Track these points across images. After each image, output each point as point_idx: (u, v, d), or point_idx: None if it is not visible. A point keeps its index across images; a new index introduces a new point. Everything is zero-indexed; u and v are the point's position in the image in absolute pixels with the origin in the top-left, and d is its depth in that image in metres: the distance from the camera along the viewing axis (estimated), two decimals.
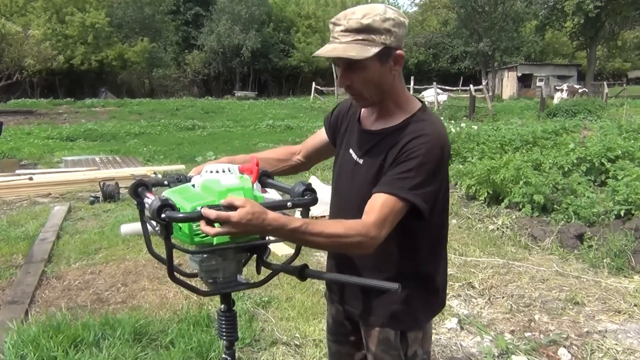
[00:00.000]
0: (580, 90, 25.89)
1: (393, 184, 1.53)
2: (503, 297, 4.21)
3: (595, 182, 7.57)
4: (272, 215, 1.40)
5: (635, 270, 4.75)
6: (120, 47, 40.03)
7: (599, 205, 6.06)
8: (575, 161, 7.76)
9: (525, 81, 38.88)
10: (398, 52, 1.57)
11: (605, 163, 7.81)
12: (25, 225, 6.26)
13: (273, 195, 1.70)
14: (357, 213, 1.57)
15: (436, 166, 1.56)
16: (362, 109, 1.77)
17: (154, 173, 8.73)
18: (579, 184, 6.70)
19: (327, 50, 1.55)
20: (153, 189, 1.76)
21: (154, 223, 1.53)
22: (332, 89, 33.43)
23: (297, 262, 1.67)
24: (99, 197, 7.49)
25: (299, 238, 1.47)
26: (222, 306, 1.68)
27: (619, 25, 38.32)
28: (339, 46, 1.53)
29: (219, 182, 1.53)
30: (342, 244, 1.50)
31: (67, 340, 3.20)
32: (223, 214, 1.35)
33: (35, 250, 5.21)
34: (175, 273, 1.54)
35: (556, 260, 5.07)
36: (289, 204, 1.55)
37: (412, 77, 27.48)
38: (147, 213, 1.73)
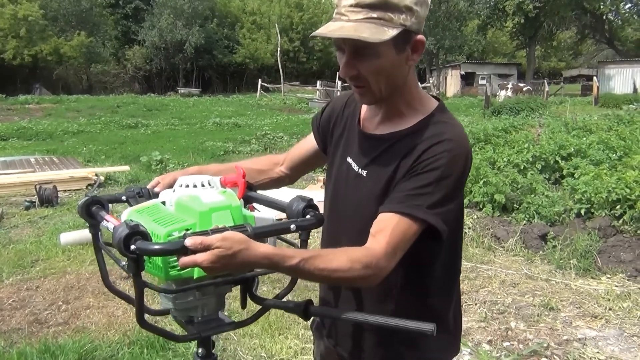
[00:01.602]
0: (524, 89, 26.54)
1: (407, 201, 1.24)
2: (476, 304, 4.04)
3: (550, 180, 7.61)
4: (262, 250, 1.10)
5: (602, 271, 4.69)
6: (56, 41, 38.22)
7: (558, 204, 6.03)
8: (530, 159, 7.77)
9: (468, 79, 39.66)
10: (418, 37, 1.27)
11: (559, 161, 7.86)
12: None
13: (264, 213, 1.39)
14: (359, 237, 1.29)
15: (458, 180, 1.28)
16: (363, 108, 1.46)
17: (96, 175, 8.17)
18: (537, 182, 6.67)
19: (332, 30, 1.23)
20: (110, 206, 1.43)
21: (115, 251, 1.19)
22: (278, 86, 33.02)
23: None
24: (35, 202, 6.90)
25: (297, 275, 1.20)
26: (200, 350, 1.35)
27: (557, 26, 39.78)
28: (347, 25, 1.21)
29: (198, 200, 1.22)
30: (345, 279, 1.22)
31: None
32: (198, 257, 1.05)
33: None
34: (145, 316, 1.22)
35: (522, 262, 4.95)
36: (292, 226, 1.24)
37: None
38: (101, 240, 1.41)
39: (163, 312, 1.41)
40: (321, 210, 1.34)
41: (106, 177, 8.42)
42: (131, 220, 1.13)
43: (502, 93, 25.99)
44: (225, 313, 1.40)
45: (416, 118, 1.34)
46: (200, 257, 1.04)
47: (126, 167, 9.09)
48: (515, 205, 6.24)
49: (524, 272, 4.67)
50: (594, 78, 28.34)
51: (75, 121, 18.31)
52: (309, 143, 1.64)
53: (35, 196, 6.96)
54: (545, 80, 30.98)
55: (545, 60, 55.78)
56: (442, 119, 1.33)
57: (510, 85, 26.60)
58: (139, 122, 17.96)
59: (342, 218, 1.45)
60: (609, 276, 4.60)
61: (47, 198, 6.90)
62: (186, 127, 17.06)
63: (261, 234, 1.17)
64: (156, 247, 1.07)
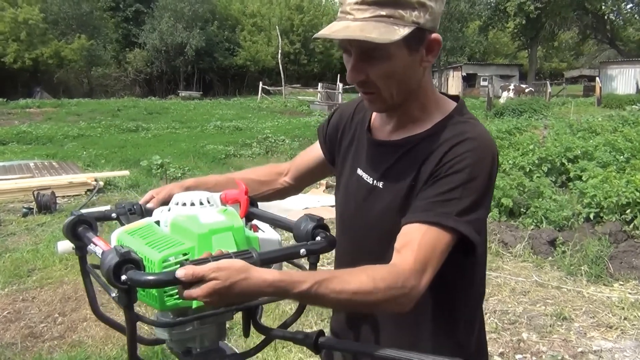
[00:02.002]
0: (526, 90, 26.40)
1: (433, 209, 1.10)
2: (486, 314, 3.91)
3: (556, 182, 7.48)
4: (266, 277, 0.95)
5: (614, 277, 4.56)
6: (57, 45, 38.13)
7: (567, 208, 5.90)
8: (536, 162, 7.64)
9: (469, 81, 39.51)
10: (433, 36, 1.14)
11: (566, 163, 7.74)
12: None
13: (269, 234, 1.26)
14: (379, 256, 1.14)
15: (487, 182, 1.14)
16: (373, 115, 1.34)
17: (95, 180, 8.05)
18: (544, 186, 6.54)
19: (336, 30, 1.10)
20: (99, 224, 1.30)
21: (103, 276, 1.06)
22: (279, 88, 32.89)
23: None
24: (32, 209, 6.78)
25: (310, 302, 1.05)
26: None
27: (558, 26, 39.65)
28: (353, 24, 1.09)
29: (196, 220, 1.09)
30: (370, 303, 1.04)
31: None
32: (193, 292, 0.92)
33: None
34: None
35: (532, 269, 4.82)
36: (302, 251, 1.11)
37: None
38: (89, 263, 1.28)
39: (158, 342, 1.29)
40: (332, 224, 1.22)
41: (105, 182, 8.30)
42: (121, 245, 1.01)
43: (504, 94, 25.84)
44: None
45: (433, 121, 1.22)
46: (194, 292, 0.92)
47: (126, 172, 8.96)
48: (522, 209, 6.11)
49: (534, 279, 4.54)
50: (597, 79, 28.18)
51: (75, 125, 18.22)
52: (315, 152, 1.51)
53: (33, 202, 6.84)
54: (547, 81, 30.84)
55: (547, 60, 55.61)
56: (462, 119, 1.21)
57: (512, 87, 26.46)
58: (139, 126, 17.86)
59: (358, 236, 1.31)
60: (621, 283, 4.47)
61: (45, 204, 6.78)
62: (187, 131, 16.94)
63: (268, 260, 1.04)
64: (150, 278, 0.94)
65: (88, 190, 7.89)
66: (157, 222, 1.21)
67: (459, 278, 1.22)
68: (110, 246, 1.07)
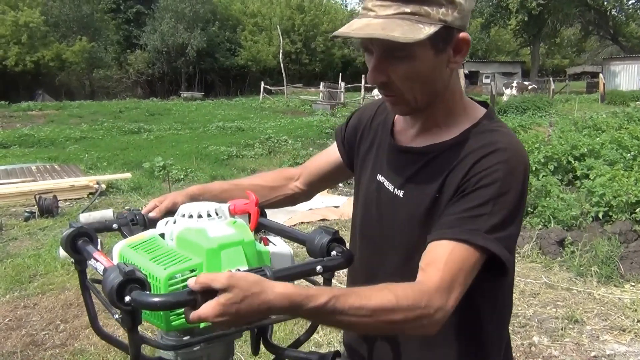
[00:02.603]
0: (529, 87, 26.27)
1: (461, 226, 1.02)
2: None
3: (563, 181, 7.39)
4: (280, 290, 0.88)
5: (625, 278, 4.48)
6: (58, 47, 38.12)
7: (575, 207, 5.82)
8: (542, 160, 7.55)
9: (472, 78, 39.39)
10: (462, 35, 1.06)
11: (572, 161, 7.65)
12: None
13: (280, 247, 1.19)
14: (400, 270, 1.09)
15: (519, 196, 1.06)
16: (396, 119, 1.26)
17: (97, 183, 7.99)
18: (552, 185, 6.45)
19: (356, 28, 1.02)
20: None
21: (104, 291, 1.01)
22: (281, 88, 32.80)
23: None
24: (34, 213, 6.72)
25: (325, 319, 0.95)
26: None
27: (560, 22, 39.50)
28: (374, 22, 1.01)
29: (205, 234, 1.03)
30: (391, 322, 0.96)
31: None
32: (202, 311, 0.85)
33: None
34: None
35: (541, 270, 4.75)
36: (318, 268, 1.04)
37: (362, 76, 27.22)
38: (89, 279, 1.22)
39: None
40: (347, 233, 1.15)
41: (108, 185, 8.24)
42: (125, 262, 0.94)
43: (507, 92, 25.72)
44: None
45: (460, 127, 1.14)
46: (204, 312, 0.84)
47: (128, 175, 8.90)
48: (529, 209, 6.02)
49: (543, 280, 4.46)
50: (600, 75, 28.04)
51: (77, 127, 18.16)
52: (332, 156, 1.43)
53: (35, 206, 6.79)
54: (551, 78, 30.69)
55: (549, 57, 55.40)
56: (491, 127, 1.13)
57: (515, 84, 26.32)
58: (141, 128, 17.80)
59: (377, 247, 1.23)
60: (632, 284, 4.39)
61: (47, 208, 6.72)
62: (189, 132, 16.88)
63: (282, 277, 0.97)
64: (156, 300, 0.87)
65: (90, 193, 7.84)
66: (162, 235, 1.15)
67: (486, 297, 1.15)
68: (112, 262, 1.01)
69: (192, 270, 0.98)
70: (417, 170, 1.15)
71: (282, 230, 1.24)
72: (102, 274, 0.96)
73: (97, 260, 1.03)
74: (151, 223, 1.28)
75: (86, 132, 16.72)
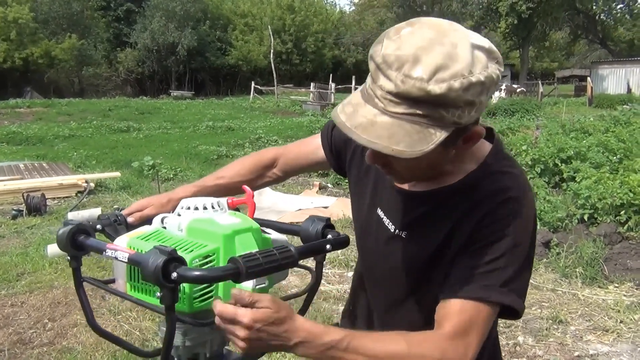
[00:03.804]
0: (518, 90, 26.45)
1: (475, 282, 1.01)
2: None
3: (550, 183, 7.47)
4: (301, 320, 0.95)
5: (609, 279, 4.55)
6: (47, 44, 37.85)
7: (561, 209, 5.89)
8: (529, 162, 7.64)
9: None
10: (475, 129, 0.99)
11: (559, 164, 7.73)
12: None
13: (275, 235, 1.24)
14: (393, 308, 1.16)
15: (532, 244, 1.06)
16: None
17: (86, 182, 7.96)
18: (539, 187, 6.52)
19: (358, 125, 0.91)
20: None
21: (121, 282, 1.12)
22: (271, 88, 32.77)
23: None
24: (22, 211, 6.68)
25: (335, 357, 0.96)
26: None
27: (550, 26, 39.80)
28: (380, 120, 0.90)
29: (215, 222, 1.09)
30: None
31: None
32: (241, 312, 0.93)
33: None
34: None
35: None
36: (327, 246, 1.13)
37: (352, 77, 27.27)
38: (118, 268, 1.20)
39: (152, 354, 1.26)
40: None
41: (96, 184, 8.21)
42: (164, 247, 0.97)
43: (496, 94, 25.86)
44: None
45: (465, 169, 1.08)
46: (240, 314, 0.92)
47: (117, 174, 8.87)
48: None
49: None
50: (588, 79, 28.29)
51: (66, 125, 18.06)
52: (313, 154, 1.42)
53: (23, 204, 6.75)
54: (539, 81, 30.93)
55: (538, 60, 55.82)
56: (501, 168, 1.07)
57: (503, 87, 26.48)
58: (130, 126, 17.73)
59: (375, 281, 1.28)
60: (616, 285, 4.45)
61: (35, 207, 6.69)
62: (179, 131, 16.83)
63: (303, 253, 1.09)
64: (201, 273, 0.95)
65: (79, 192, 7.80)
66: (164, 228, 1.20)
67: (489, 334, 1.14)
68: (132, 250, 1.05)
69: (208, 255, 1.04)
70: (422, 214, 1.12)
71: (274, 224, 1.30)
72: (127, 260, 1.01)
73: (115, 250, 1.05)
74: (129, 227, 1.31)
75: (75, 130, 16.63)
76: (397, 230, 1.16)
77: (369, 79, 0.94)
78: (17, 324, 3.73)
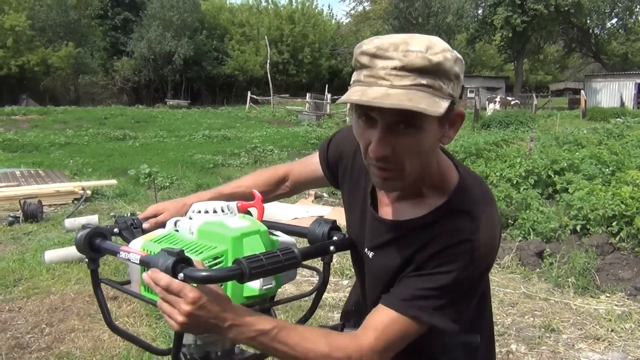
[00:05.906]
0: (512, 102, 26.66)
1: (412, 300, 1.09)
2: None
3: (543, 194, 7.55)
4: (237, 306, 1.04)
5: (601, 289, 4.61)
6: (43, 52, 37.90)
7: (554, 220, 5.96)
8: (523, 174, 7.71)
9: None
10: (458, 110, 1.06)
11: (552, 175, 7.81)
12: None
13: (284, 237, 1.30)
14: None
15: (477, 279, 1.14)
16: None
17: (82, 189, 7.99)
18: (532, 198, 6.60)
19: (377, 97, 0.96)
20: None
21: (135, 283, 1.19)
22: (267, 98, 32.91)
23: None
24: (19, 217, 6.71)
25: (263, 344, 1.05)
26: None
27: (544, 39, 40.21)
28: (394, 92, 0.95)
29: (225, 225, 1.15)
30: None
31: None
32: (188, 287, 1.00)
33: None
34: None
35: (519, 280, 4.86)
36: (331, 247, 1.24)
37: (348, 87, 27.34)
38: (133, 270, 1.25)
39: (163, 352, 1.32)
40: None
41: (93, 191, 8.24)
42: (173, 249, 1.03)
43: (491, 106, 26.08)
44: None
45: (435, 202, 1.15)
46: (190, 290, 0.99)
47: (113, 181, 8.90)
48: (510, 221, 6.16)
49: (522, 290, 4.57)
50: (582, 92, 28.54)
51: (62, 133, 18.08)
52: (315, 172, 1.50)
53: (20, 211, 6.78)
54: (534, 94, 31.17)
55: (533, 73, 56.26)
56: (463, 207, 1.13)
57: (498, 99, 26.69)
58: (126, 135, 17.76)
59: (362, 287, 1.37)
60: (607, 295, 4.51)
61: (31, 213, 6.72)
62: (175, 140, 16.88)
63: (307, 255, 1.16)
64: (206, 273, 1.00)
65: (75, 199, 7.83)
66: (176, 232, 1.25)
67: (443, 347, 1.24)
68: (144, 252, 1.12)
69: (217, 257, 1.10)
70: (387, 241, 1.20)
71: (283, 226, 1.37)
72: (139, 262, 1.08)
73: (128, 252, 1.12)
74: (144, 230, 1.36)
75: (71, 138, 16.66)
76: (367, 250, 1.25)
77: (362, 72, 1.01)
78: (15, 329, 3.75)
